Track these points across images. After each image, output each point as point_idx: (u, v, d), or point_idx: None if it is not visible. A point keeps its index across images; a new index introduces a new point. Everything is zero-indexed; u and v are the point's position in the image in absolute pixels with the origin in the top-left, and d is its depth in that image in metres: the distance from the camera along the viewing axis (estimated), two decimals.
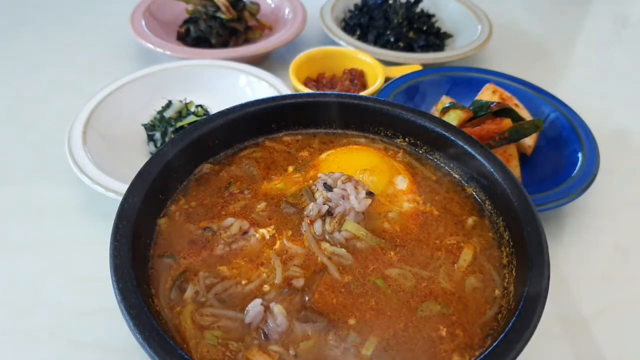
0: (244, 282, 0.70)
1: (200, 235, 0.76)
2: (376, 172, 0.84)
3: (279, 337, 0.64)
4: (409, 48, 1.58)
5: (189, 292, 0.69)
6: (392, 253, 0.74)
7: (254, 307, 0.65)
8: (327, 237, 0.75)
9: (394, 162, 0.88)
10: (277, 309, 0.65)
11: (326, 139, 0.93)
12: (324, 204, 0.76)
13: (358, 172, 0.83)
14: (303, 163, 0.88)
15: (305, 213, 0.78)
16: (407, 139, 0.91)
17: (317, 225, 0.76)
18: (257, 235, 0.76)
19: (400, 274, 0.72)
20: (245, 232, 0.76)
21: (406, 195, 0.83)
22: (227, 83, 1.34)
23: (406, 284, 0.71)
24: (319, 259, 0.73)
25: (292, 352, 0.63)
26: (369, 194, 0.79)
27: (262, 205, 0.80)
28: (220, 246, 0.74)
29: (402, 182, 0.84)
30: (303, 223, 0.77)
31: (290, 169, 0.87)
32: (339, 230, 0.75)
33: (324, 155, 0.89)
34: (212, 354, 0.63)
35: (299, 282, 0.70)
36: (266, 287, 0.69)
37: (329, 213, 0.76)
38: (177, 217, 0.78)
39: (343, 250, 0.74)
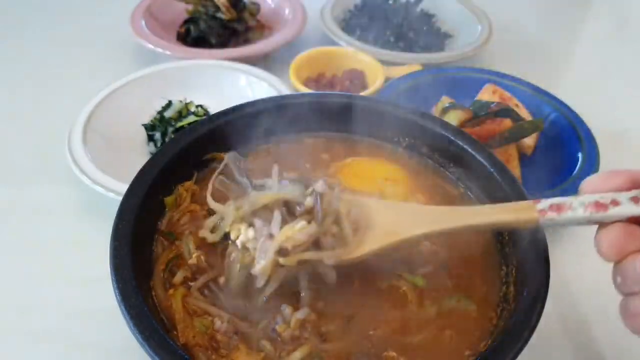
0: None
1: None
2: (400, 185, 0.83)
3: None
4: (409, 48, 1.58)
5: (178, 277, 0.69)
6: None
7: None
8: None
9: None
10: None
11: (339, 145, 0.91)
12: None
13: (381, 180, 0.83)
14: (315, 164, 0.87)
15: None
16: (407, 139, 0.91)
17: None
18: None
19: None
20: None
21: None
22: (227, 83, 1.34)
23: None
24: None
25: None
26: None
27: None
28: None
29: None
30: None
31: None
32: None
33: (349, 160, 0.88)
34: (198, 339, 0.63)
35: None
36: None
37: None
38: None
39: None
